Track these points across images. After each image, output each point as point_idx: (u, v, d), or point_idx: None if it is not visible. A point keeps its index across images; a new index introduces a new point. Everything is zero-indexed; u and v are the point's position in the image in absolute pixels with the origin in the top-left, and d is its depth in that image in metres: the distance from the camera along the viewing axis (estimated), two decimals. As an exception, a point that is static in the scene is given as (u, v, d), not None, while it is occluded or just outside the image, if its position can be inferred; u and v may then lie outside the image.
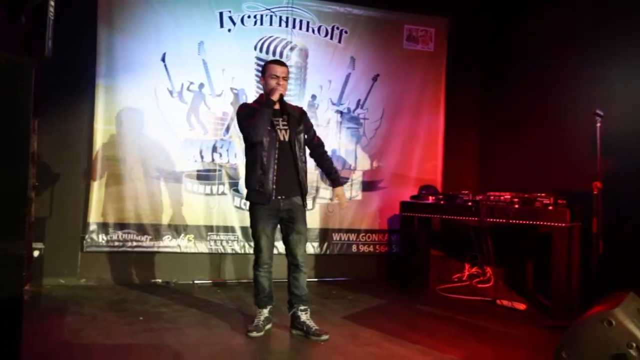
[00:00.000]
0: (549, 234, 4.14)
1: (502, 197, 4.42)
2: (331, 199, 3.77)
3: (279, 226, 3.56)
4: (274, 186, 3.39)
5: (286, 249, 3.53)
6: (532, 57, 5.28)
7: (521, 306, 4.35)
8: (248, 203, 3.54)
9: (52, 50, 1.27)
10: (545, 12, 5.21)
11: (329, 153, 5.38)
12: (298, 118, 3.53)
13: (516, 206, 4.28)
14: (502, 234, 4.70)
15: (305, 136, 3.56)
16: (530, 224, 4.18)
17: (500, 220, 4.31)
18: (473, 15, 5.94)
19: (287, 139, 3.44)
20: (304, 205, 3.54)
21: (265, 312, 3.54)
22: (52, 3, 1.23)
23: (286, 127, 3.45)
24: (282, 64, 3.54)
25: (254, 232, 3.51)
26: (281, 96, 3.38)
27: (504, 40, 5.73)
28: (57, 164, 4.72)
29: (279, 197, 3.42)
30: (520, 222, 4.21)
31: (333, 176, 3.70)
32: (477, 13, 5.94)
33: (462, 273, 5.46)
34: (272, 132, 3.40)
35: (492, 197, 4.47)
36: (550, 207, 4.10)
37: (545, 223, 4.09)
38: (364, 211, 5.60)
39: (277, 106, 3.41)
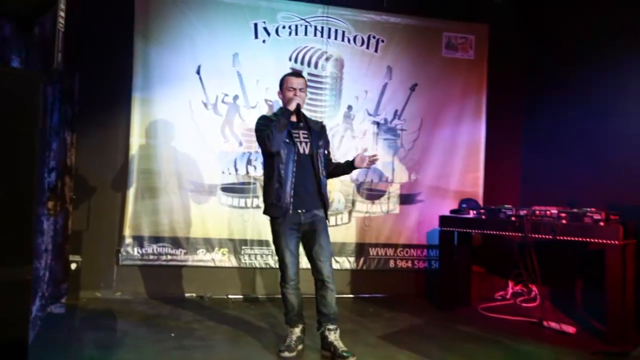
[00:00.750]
0: (599, 250, 3.87)
1: (548, 212, 4.17)
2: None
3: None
4: (291, 199, 3.29)
5: (311, 265, 3.40)
6: (580, 62, 5.00)
7: (570, 329, 4.07)
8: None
9: (61, 63, 1.19)
10: (589, 15, 4.94)
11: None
12: (319, 132, 3.48)
13: (564, 222, 4.03)
14: (548, 250, 4.43)
15: (326, 152, 3.48)
16: (580, 240, 3.92)
17: (547, 237, 4.06)
18: (515, 21, 5.71)
19: (307, 151, 3.37)
20: (327, 217, 3.45)
21: (297, 331, 3.42)
22: (62, 14, 1.16)
23: (307, 140, 3.38)
24: (299, 75, 3.51)
25: (277, 248, 3.41)
26: (298, 106, 3.32)
27: (549, 46, 5.47)
28: (93, 177, 4.76)
29: (299, 211, 3.32)
30: (569, 238, 3.96)
31: (347, 162, 3.54)
32: (519, 18, 5.71)
33: (506, 291, 5.20)
34: (290, 145, 3.32)
35: (537, 212, 4.23)
36: (602, 223, 3.83)
37: (595, 240, 3.83)
38: (401, 225, 5.43)
39: (295, 118, 3.35)
